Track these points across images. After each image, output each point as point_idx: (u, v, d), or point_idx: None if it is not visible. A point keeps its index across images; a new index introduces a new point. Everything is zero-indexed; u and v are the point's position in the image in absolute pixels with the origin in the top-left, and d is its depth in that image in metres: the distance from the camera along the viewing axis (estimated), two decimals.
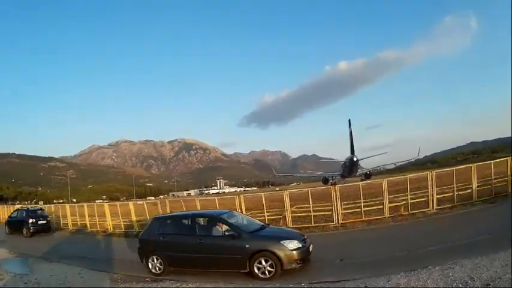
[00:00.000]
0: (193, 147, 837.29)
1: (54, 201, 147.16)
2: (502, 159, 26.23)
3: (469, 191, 23.20)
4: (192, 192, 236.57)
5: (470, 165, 24.46)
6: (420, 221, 20.91)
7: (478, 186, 23.18)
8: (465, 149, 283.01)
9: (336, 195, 23.11)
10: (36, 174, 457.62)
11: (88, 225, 35.43)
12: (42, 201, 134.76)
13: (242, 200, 25.99)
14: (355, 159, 78.95)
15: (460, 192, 23.23)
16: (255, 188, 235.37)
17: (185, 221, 15.09)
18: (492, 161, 25.53)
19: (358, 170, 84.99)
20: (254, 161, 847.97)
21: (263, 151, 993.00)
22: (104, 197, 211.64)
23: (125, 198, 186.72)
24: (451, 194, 23.31)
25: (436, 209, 22.43)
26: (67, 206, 42.08)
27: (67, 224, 38.18)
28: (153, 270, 14.32)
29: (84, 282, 14.09)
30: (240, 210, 24.88)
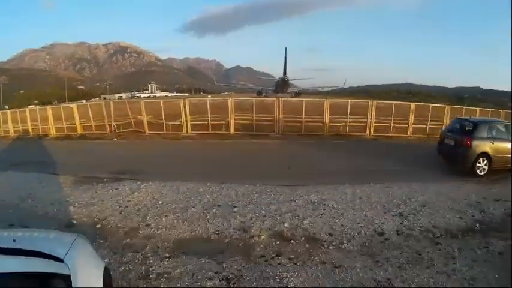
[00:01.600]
0: (128, 50, 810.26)
1: None
2: (440, 105, 27.86)
3: (405, 125, 24.70)
4: (124, 95, 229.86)
5: (410, 103, 25.90)
6: (358, 143, 22.21)
7: (413, 124, 24.64)
8: (401, 87, 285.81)
9: (279, 106, 24.36)
10: None
11: (30, 130, 34.84)
12: None
13: (187, 104, 26.68)
14: (286, 79, 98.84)
15: (396, 125, 24.62)
16: (186, 94, 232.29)
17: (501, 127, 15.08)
18: (431, 104, 27.14)
19: (290, 89, 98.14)
20: (188, 68, 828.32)
21: (197, 58, 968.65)
22: (36, 101, 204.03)
23: (56, 101, 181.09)
24: (388, 124, 24.61)
25: (372, 136, 23.83)
26: (8, 112, 41.43)
27: (8, 130, 37.44)
28: (478, 172, 13.82)
29: (44, 187, 13.40)
30: (184, 114, 26.12)
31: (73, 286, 2.77)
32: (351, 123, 24.57)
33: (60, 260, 2.86)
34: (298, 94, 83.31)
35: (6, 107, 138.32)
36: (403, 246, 6.88)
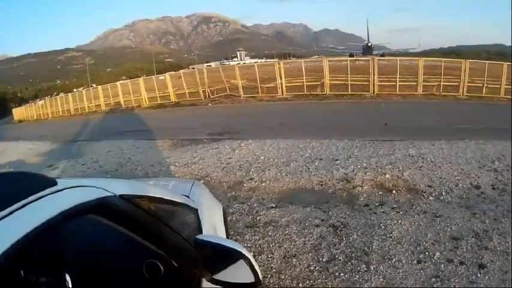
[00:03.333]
0: (212, 20, 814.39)
1: (74, 90, 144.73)
2: None
3: (498, 86, 23.79)
4: (213, 64, 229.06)
5: (502, 62, 24.76)
6: (452, 103, 21.65)
7: (506, 84, 23.57)
8: (490, 48, 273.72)
9: (374, 66, 23.92)
10: (53, 68, 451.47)
11: (122, 103, 36.00)
12: (62, 93, 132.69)
13: (282, 67, 26.42)
14: (369, 44, 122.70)
15: (489, 86, 23.72)
16: (275, 60, 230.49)
17: None
18: None
19: (374, 52, 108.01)
20: (275, 33, 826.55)
21: (284, 23, 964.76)
22: (124, 77, 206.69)
23: (145, 75, 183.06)
24: (481, 85, 23.80)
25: (466, 95, 23.17)
26: (99, 87, 42.89)
27: (99, 105, 39.17)
28: None
29: (142, 151, 13.99)
30: (279, 77, 25.94)
31: (200, 218, 2.96)
32: (444, 83, 24.04)
33: (187, 197, 3.11)
34: (382, 56, 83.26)
35: (94, 85, 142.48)
36: (497, 200, 6.78)
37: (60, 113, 46.92)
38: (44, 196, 1.59)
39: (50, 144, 21.40)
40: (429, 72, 25.69)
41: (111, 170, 12.00)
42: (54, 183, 1.74)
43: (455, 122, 14.92)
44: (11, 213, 1.35)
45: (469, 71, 23.88)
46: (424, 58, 26.00)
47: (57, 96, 62.18)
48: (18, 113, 66.75)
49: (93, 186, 1.94)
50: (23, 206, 1.43)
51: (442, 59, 26.78)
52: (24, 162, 17.27)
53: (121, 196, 2.03)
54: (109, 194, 1.95)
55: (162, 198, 2.63)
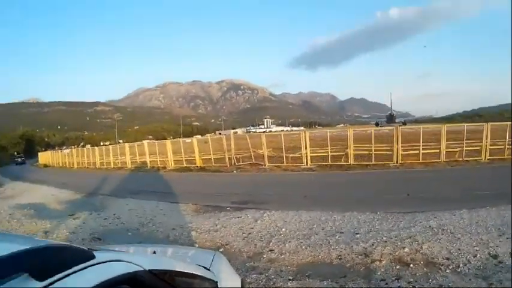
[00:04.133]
0: (241, 87, 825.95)
1: (101, 143, 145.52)
2: None
3: None
4: (239, 130, 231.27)
5: None
6: (474, 168, 21.54)
7: None
8: (509, 107, 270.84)
9: (397, 135, 24.02)
10: (82, 119, 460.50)
11: (148, 162, 36.48)
12: (89, 145, 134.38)
13: (307, 136, 26.61)
14: (392, 113, 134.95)
15: (511, 147, 23.51)
16: (301, 128, 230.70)
17: None
18: None
19: (397, 119, 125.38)
20: (302, 102, 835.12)
21: (311, 93, 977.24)
22: (150, 136, 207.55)
23: (171, 137, 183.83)
24: (502, 146, 23.86)
25: (488, 159, 23.11)
26: (126, 145, 43.85)
27: (125, 162, 39.80)
28: None
29: (165, 214, 14.09)
30: (304, 146, 26.02)
31: None
32: (466, 148, 24.08)
33: (208, 269, 3.25)
34: (404, 123, 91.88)
35: (121, 141, 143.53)
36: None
37: (86, 165, 48.47)
38: (83, 269, 1.78)
39: (73, 193, 22.08)
40: (452, 138, 25.68)
41: (132, 228, 12.18)
42: (92, 257, 1.93)
43: (476, 188, 14.86)
44: (52, 283, 1.54)
45: (491, 133, 23.93)
46: (447, 124, 26.24)
47: (84, 148, 64.28)
48: (43, 157, 69.74)
49: (126, 261, 2.13)
50: (64, 277, 1.62)
51: (465, 124, 26.55)
52: (46, 206, 17.82)
53: (150, 271, 2.23)
54: (139, 268, 2.15)
55: (185, 272, 2.79)
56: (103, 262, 1.95)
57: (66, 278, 1.63)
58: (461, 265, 7.09)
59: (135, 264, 2.14)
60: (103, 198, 19.24)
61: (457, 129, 27.50)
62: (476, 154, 23.85)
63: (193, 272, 2.89)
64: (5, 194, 25.27)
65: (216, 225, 11.39)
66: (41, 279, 1.53)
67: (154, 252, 3.57)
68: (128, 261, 2.14)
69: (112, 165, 42.06)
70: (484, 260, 7.27)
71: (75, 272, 1.71)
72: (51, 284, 1.53)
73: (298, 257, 8.21)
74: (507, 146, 23.67)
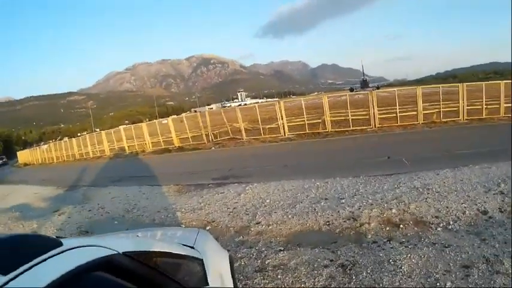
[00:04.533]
0: (211, 61, 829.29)
1: (78, 134, 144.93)
2: None
3: (497, 106, 23.76)
4: (214, 106, 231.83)
5: (499, 81, 24.72)
6: (453, 128, 21.60)
7: (505, 103, 23.43)
8: (486, 67, 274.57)
9: (373, 100, 24.02)
10: (56, 112, 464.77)
11: (126, 148, 36.37)
12: (66, 137, 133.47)
13: (282, 107, 26.52)
14: (365, 79, 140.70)
15: (488, 107, 23.82)
16: (276, 99, 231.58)
17: None
18: None
19: (370, 85, 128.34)
20: (274, 72, 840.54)
21: (282, 61, 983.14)
22: (127, 121, 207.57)
23: (147, 119, 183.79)
24: (480, 107, 23.88)
25: (466, 119, 23.13)
26: (103, 132, 43.52)
27: (103, 150, 39.64)
28: None
29: (148, 198, 14.05)
30: (280, 117, 26.00)
31: (205, 269, 2.97)
32: (443, 109, 24.10)
33: (191, 247, 3.14)
34: (378, 88, 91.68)
35: (98, 129, 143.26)
36: (506, 223, 6.81)
37: (65, 158, 48.18)
38: (50, 257, 1.64)
39: (56, 189, 21.77)
40: (428, 100, 25.72)
41: (117, 217, 12.10)
42: (60, 244, 1.79)
43: (457, 148, 14.96)
44: (18, 275, 1.40)
45: (467, 94, 23.98)
46: (421, 86, 26.14)
47: (62, 141, 63.16)
48: (23, 156, 68.60)
49: (97, 245, 1.99)
50: (30, 267, 1.48)
51: (440, 85, 26.63)
52: (30, 206, 17.52)
53: (125, 253, 2.08)
54: (113, 252, 2.00)
55: (166, 252, 2.67)
56: (72, 248, 1.82)
57: (33, 269, 1.50)
58: (451, 222, 7.12)
59: (108, 248, 2.01)
60: (85, 190, 19.08)
61: (432, 91, 27.53)
62: (453, 115, 23.86)
63: (175, 252, 2.79)
64: None
65: (200, 204, 11.36)
66: (5, 273, 1.41)
67: (138, 236, 3.56)
68: (99, 246, 2.01)
69: (91, 155, 41.88)
70: (474, 216, 7.32)
71: (42, 261, 1.59)
72: (16, 276, 1.41)
73: (286, 226, 8.21)
74: (484, 106, 23.73)
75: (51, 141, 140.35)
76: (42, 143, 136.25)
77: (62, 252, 1.75)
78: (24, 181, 30.36)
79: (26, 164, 61.19)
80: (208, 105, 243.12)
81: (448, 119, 23.44)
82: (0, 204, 19.59)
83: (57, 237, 2.11)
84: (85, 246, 1.96)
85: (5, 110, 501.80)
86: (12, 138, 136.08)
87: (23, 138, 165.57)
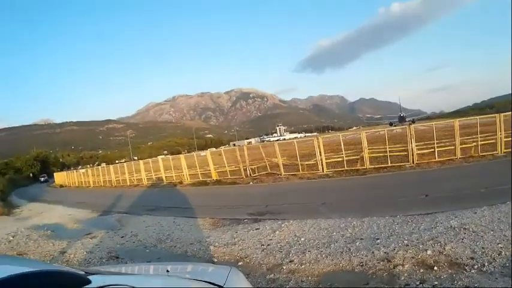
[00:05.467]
0: (251, 95, 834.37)
1: (116, 161, 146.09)
2: None
3: None
4: (253, 140, 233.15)
5: None
6: (490, 162, 21.08)
7: None
8: None
9: (411, 135, 23.60)
10: (95, 138, 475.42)
11: (164, 178, 36.37)
12: (104, 163, 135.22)
13: (321, 142, 26.16)
14: (402, 115, 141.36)
15: None
16: (314, 133, 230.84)
17: None
18: None
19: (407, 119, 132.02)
20: (312, 106, 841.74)
21: (321, 96, 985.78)
22: (165, 151, 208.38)
23: (186, 151, 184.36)
24: None
25: (504, 152, 22.52)
26: (141, 161, 43.88)
27: (141, 179, 39.80)
28: None
29: (182, 229, 14.16)
30: (318, 153, 25.76)
31: None
32: (481, 142, 23.52)
33: (221, 287, 3.15)
34: (413, 122, 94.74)
35: (136, 158, 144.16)
36: None
37: (102, 183, 48.62)
38: None
39: (90, 212, 22.43)
40: (466, 133, 25.36)
41: (149, 246, 12.24)
42: (87, 282, 1.86)
43: (495, 183, 14.54)
44: None
45: (505, 125, 23.31)
46: (459, 119, 25.83)
47: (99, 166, 66.03)
48: (59, 177, 69.68)
49: (124, 285, 2.05)
50: None
51: (477, 117, 26.05)
52: (63, 226, 18.12)
53: None
54: None
55: None
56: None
57: None
58: (486, 264, 6.95)
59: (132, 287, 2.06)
60: (120, 216, 19.31)
61: (470, 122, 27.28)
62: (491, 148, 23.31)
63: None
64: (22, 215, 25.62)
65: (234, 239, 11.36)
66: None
67: (168, 271, 3.56)
68: (126, 285, 2.06)
69: (128, 183, 42.29)
70: (509, 256, 7.14)
71: None
72: None
73: (319, 266, 8.12)
74: None
75: (88, 165, 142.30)
76: (80, 166, 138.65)
77: None
78: (59, 201, 31.32)
79: (61, 186, 62.48)
80: (247, 139, 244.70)
81: (486, 153, 22.91)
82: (34, 221, 20.43)
83: (86, 273, 2.17)
84: (112, 285, 2.02)
85: (43, 132, 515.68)
86: (49, 160, 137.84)
87: (60, 160, 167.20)
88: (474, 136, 24.07)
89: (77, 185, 56.31)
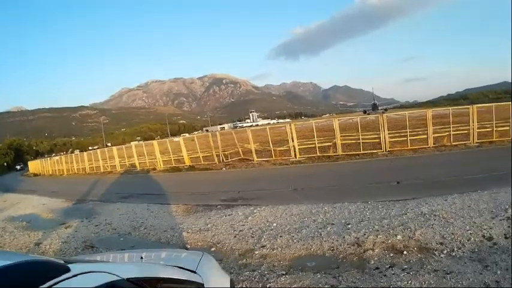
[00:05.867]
0: (224, 81, 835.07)
1: (89, 147, 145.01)
2: None
3: (507, 128, 23.40)
4: (226, 126, 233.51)
5: (509, 103, 23.89)
6: (463, 152, 21.33)
7: None
8: (497, 87, 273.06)
9: (383, 123, 23.85)
10: (68, 124, 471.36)
11: (137, 165, 36.25)
12: (77, 150, 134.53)
13: (293, 128, 26.37)
14: (375, 103, 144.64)
15: (499, 129, 23.54)
16: (288, 120, 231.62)
17: None
18: None
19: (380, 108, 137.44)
20: (285, 93, 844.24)
21: (294, 82, 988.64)
22: (138, 138, 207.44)
23: (159, 137, 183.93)
24: (490, 129, 23.64)
25: (476, 142, 22.84)
26: (114, 148, 43.47)
27: (114, 165, 39.63)
28: None
29: (156, 216, 14.12)
30: (291, 139, 25.82)
31: None
32: (454, 132, 23.91)
33: (193, 272, 3.17)
34: (386, 110, 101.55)
35: (109, 144, 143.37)
36: (510, 249, 6.77)
37: (75, 171, 48.55)
38: (58, 282, 1.70)
39: (64, 201, 22.10)
40: (439, 122, 25.73)
41: (123, 233, 12.23)
42: (67, 270, 1.86)
43: (466, 172, 14.81)
44: None
45: (478, 116, 23.66)
46: (432, 108, 26.09)
47: (73, 154, 64.88)
48: (33, 166, 69.38)
49: (102, 271, 2.05)
50: None
51: (450, 108, 26.48)
52: (38, 216, 17.96)
53: (129, 279, 2.14)
54: (117, 278, 2.06)
55: (168, 278, 2.72)
56: (77, 274, 1.88)
57: None
58: (455, 249, 7.09)
59: (112, 274, 2.07)
60: (93, 205, 19.25)
61: (443, 113, 27.72)
62: (464, 138, 23.60)
63: (177, 277, 2.83)
64: None
65: (207, 225, 11.41)
66: None
67: (142, 258, 3.61)
68: (104, 272, 2.07)
69: (102, 170, 42.12)
70: (478, 242, 7.28)
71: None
72: None
73: (290, 251, 8.20)
74: (495, 129, 23.50)
75: (62, 153, 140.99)
76: (53, 154, 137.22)
77: (69, 278, 1.82)
78: (33, 191, 30.75)
79: (35, 174, 62.05)
80: (220, 124, 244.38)
81: (459, 142, 23.23)
82: (9, 213, 20.12)
83: (65, 261, 2.17)
84: (91, 272, 2.03)
85: (16, 119, 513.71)
86: (23, 148, 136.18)
87: (34, 148, 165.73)
88: (447, 126, 24.42)
89: (50, 173, 55.88)
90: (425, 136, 24.04)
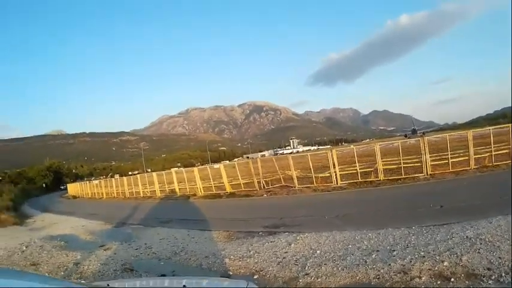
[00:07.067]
0: (264, 108, 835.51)
1: (129, 173, 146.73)
2: None
3: None
4: (266, 153, 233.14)
5: None
6: (505, 172, 20.66)
7: None
8: None
9: (424, 147, 23.43)
10: (108, 149, 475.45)
11: (177, 191, 36.26)
12: (117, 174, 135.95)
13: (334, 155, 26.01)
14: (415, 128, 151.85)
15: None
16: (328, 146, 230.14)
17: None
18: None
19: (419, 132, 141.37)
20: (325, 119, 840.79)
21: (334, 108, 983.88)
22: (179, 164, 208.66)
23: (199, 164, 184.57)
24: None
25: None
26: (154, 173, 43.77)
27: (154, 191, 39.69)
28: None
29: (197, 242, 14.12)
30: (332, 165, 25.56)
31: None
32: (495, 152, 23.43)
33: None
34: (423, 134, 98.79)
35: (149, 170, 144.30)
36: None
37: (115, 195, 48.61)
38: None
39: (103, 224, 22.44)
40: (480, 143, 25.38)
41: (164, 258, 12.26)
42: None
43: (510, 193, 14.04)
44: None
45: None
46: (472, 130, 25.78)
47: (113, 178, 66.61)
48: (72, 188, 70.07)
49: None
50: None
51: (490, 128, 26.00)
52: (76, 237, 18.21)
53: None
54: None
55: None
56: None
57: None
58: (503, 274, 6.91)
59: None
60: (133, 228, 19.44)
61: (483, 133, 27.36)
62: (505, 158, 23.02)
63: None
64: (35, 226, 26.01)
65: (250, 251, 11.35)
66: None
67: (184, 286, 3.55)
68: None
69: (141, 195, 42.16)
70: None
71: None
72: None
73: (335, 279, 8.11)
74: None
75: (101, 177, 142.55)
76: (93, 178, 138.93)
77: None
78: (72, 212, 31.55)
79: (74, 197, 62.68)
80: (260, 151, 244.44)
81: (500, 162, 22.75)
82: (47, 232, 20.60)
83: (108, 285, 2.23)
84: None
85: (56, 142, 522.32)
86: (62, 171, 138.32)
87: (73, 171, 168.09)
88: (488, 146, 24.08)
89: (90, 196, 56.50)
90: (466, 158, 23.62)
